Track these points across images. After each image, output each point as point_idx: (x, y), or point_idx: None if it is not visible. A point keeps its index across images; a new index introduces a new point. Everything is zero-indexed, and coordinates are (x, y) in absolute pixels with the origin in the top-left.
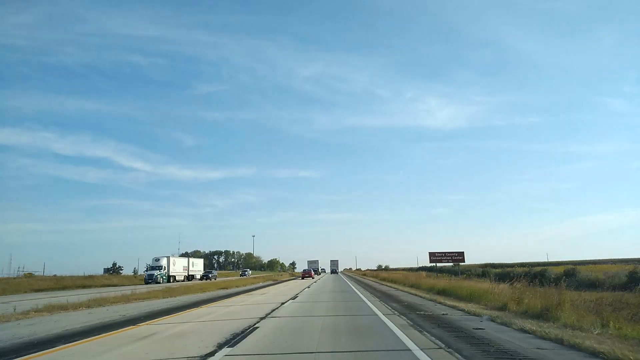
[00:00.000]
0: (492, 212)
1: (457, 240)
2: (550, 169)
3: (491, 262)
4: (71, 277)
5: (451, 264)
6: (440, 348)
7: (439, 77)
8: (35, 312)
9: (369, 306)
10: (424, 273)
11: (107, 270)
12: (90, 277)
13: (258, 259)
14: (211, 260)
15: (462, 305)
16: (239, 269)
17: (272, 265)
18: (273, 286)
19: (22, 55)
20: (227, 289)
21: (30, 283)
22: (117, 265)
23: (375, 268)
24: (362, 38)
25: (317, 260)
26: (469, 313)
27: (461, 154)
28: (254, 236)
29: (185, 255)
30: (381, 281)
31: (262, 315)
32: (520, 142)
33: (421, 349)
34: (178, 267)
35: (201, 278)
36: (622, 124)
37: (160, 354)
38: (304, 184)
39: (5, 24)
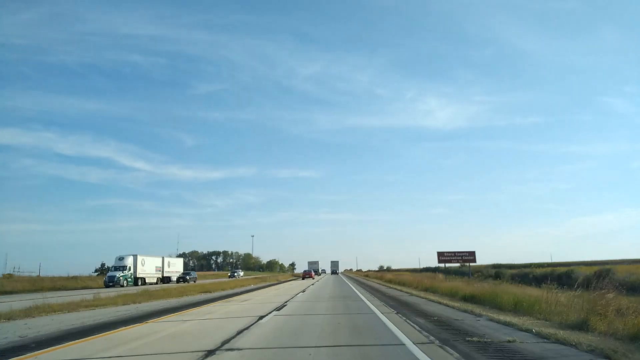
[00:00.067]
0: (492, 213)
1: (457, 241)
2: (551, 169)
3: (493, 262)
4: (52, 278)
5: (459, 264)
6: None
7: (439, 76)
8: None
9: (386, 325)
10: (441, 275)
11: (96, 271)
12: (74, 278)
13: (257, 260)
14: (209, 260)
15: (514, 320)
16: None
17: (272, 265)
18: (262, 290)
19: (23, 55)
20: (207, 292)
21: (3, 284)
22: (105, 266)
23: (377, 269)
24: (363, 38)
25: (317, 261)
26: (543, 337)
27: (461, 154)
28: (253, 236)
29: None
30: (387, 283)
31: (210, 346)
32: (521, 142)
33: None
34: (149, 267)
35: (177, 280)
36: (623, 124)
37: None
38: (304, 184)
39: (5, 23)
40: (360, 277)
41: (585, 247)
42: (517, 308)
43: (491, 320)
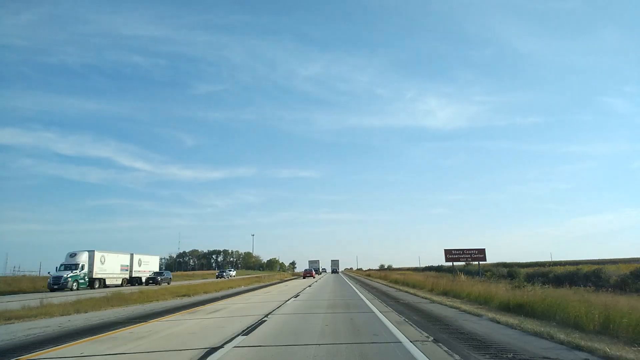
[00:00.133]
0: (492, 212)
1: (457, 241)
2: (551, 169)
3: (494, 262)
4: (33, 278)
5: (464, 263)
6: None
7: (439, 76)
8: None
9: None
10: (463, 275)
11: None
12: None
13: (257, 259)
14: (209, 259)
15: None
16: (237, 268)
17: (272, 265)
18: (249, 293)
19: (23, 55)
20: (178, 298)
21: None
22: None
23: (378, 268)
24: (363, 38)
25: (318, 260)
26: None
27: (461, 154)
28: (253, 235)
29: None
30: (394, 284)
31: None
32: (521, 142)
33: None
34: (111, 266)
35: (146, 282)
36: (623, 124)
37: None
38: (304, 184)
39: (5, 24)
40: (362, 277)
41: (585, 247)
42: (606, 326)
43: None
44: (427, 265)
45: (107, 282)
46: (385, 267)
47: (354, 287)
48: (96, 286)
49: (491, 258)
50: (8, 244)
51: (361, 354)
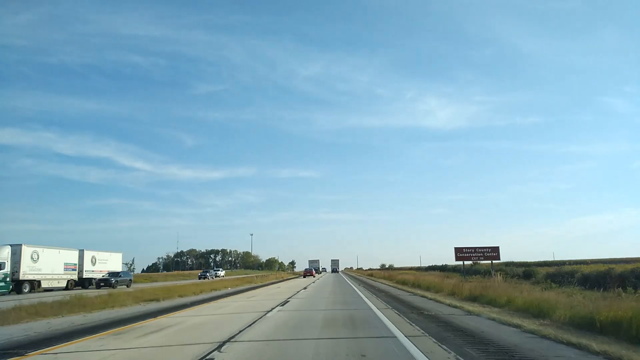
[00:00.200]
0: (492, 213)
1: (457, 241)
2: (551, 169)
3: (498, 261)
4: None
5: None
6: None
7: (439, 76)
8: None
9: None
10: (499, 277)
11: None
12: None
13: (256, 259)
14: (207, 259)
15: None
16: (236, 268)
17: (270, 264)
18: (229, 298)
19: (23, 55)
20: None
21: None
22: None
23: (379, 267)
24: (363, 38)
25: (318, 260)
26: None
27: (462, 154)
28: (251, 235)
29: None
30: (402, 285)
31: None
32: (521, 142)
33: None
34: (49, 264)
35: (98, 285)
36: (623, 124)
37: None
38: (305, 183)
39: (5, 23)
40: (364, 277)
41: (585, 247)
42: None
43: None
44: (431, 265)
45: (45, 285)
46: (387, 266)
47: (357, 290)
48: (25, 290)
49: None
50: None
51: None
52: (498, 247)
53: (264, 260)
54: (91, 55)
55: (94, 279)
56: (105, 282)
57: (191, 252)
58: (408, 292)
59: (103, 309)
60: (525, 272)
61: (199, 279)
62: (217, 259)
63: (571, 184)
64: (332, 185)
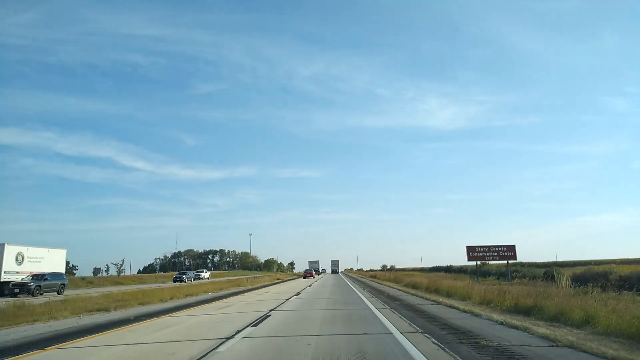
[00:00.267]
0: (492, 212)
1: (458, 240)
2: (551, 169)
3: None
4: None
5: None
6: None
7: (440, 76)
8: None
9: None
10: (563, 281)
11: None
12: None
13: (255, 259)
14: (205, 260)
15: None
16: (234, 268)
17: (269, 265)
18: (193, 309)
19: (23, 55)
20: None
21: None
22: (70, 264)
23: (380, 268)
24: (363, 37)
25: (318, 261)
26: None
27: (461, 154)
28: (250, 234)
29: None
30: (414, 290)
31: None
32: (521, 142)
33: None
34: None
35: (11, 292)
36: (624, 123)
37: None
38: (305, 183)
39: (5, 23)
40: (366, 278)
41: (585, 247)
42: None
43: None
44: (435, 266)
45: None
46: (388, 267)
47: (362, 297)
48: None
49: None
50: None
51: None
52: (514, 246)
53: (263, 261)
54: (91, 55)
55: (24, 283)
56: (21, 288)
57: (189, 253)
58: (428, 299)
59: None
60: (547, 273)
61: (174, 282)
62: (215, 259)
63: (571, 183)
64: (332, 185)
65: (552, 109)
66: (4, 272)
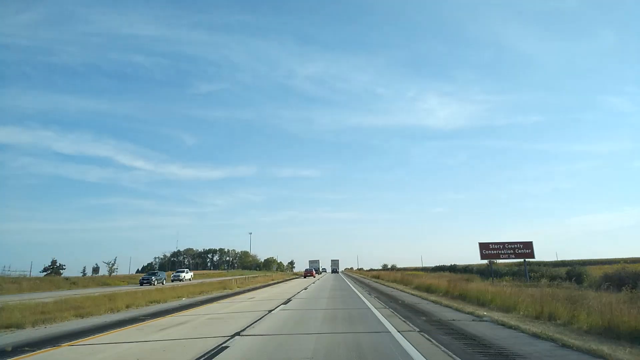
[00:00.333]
0: (493, 211)
1: (458, 241)
2: (552, 168)
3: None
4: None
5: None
6: None
7: (440, 76)
8: None
9: None
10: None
11: (45, 270)
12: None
13: (254, 258)
14: (205, 259)
15: None
16: (233, 268)
17: (269, 264)
18: (129, 328)
19: (24, 55)
20: None
21: None
22: (57, 264)
23: (381, 267)
24: (363, 37)
25: (318, 260)
26: None
27: (462, 153)
28: (250, 234)
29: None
30: (429, 294)
31: None
32: (522, 141)
33: None
34: None
35: None
36: (625, 123)
37: None
38: (305, 183)
39: (7, 23)
40: (369, 279)
41: (585, 247)
42: None
43: None
44: (438, 265)
45: None
46: (389, 267)
47: (370, 306)
48: None
49: None
50: (6, 244)
51: None
52: (531, 243)
53: (262, 260)
54: (92, 55)
55: None
56: None
57: (188, 252)
58: (461, 311)
59: None
60: (570, 273)
61: (140, 285)
62: (215, 258)
63: (572, 183)
64: (333, 185)
65: (552, 109)
66: None
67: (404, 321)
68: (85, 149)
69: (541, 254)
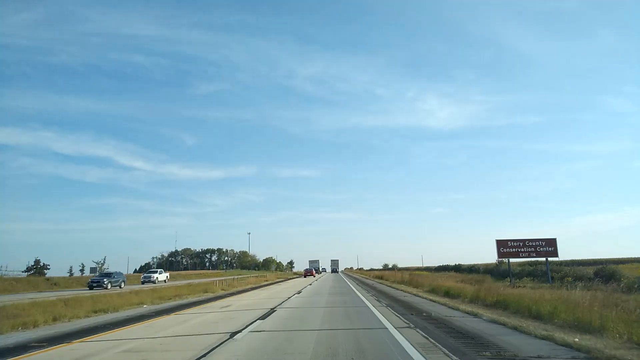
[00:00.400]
0: (493, 212)
1: (457, 240)
2: (552, 168)
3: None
4: None
5: (498, 260)
6: None
7: (440, 76)
8: None
9: None
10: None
11: (28, 270)
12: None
13: (253, 258)
14: (203, 259)
15: None
16: (232, 268)
17: (267, 264)
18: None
19: (24, 55)
20: None
21: None
22: (42, 264)
23: (382, 267)
24: (363, 37)
25: (318, 260)
26: None
27: (462, 153)
28: (249, 233)
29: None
30: (460, 303)
31: None
32: (522, 141)
33: None
34: None
35: None
36: (625, 123)
37: None
38: (305, 183)
39: (7, 23)
40: (372, 280)
41: (585, 247)
42: None
43: None
44: (441, 265)
45: None
46: (390, 266)
47: (388, 325)
48: None
49: (494, 258)
50: (6, 244)
51: None
52: (555, 240)
53: (261, 260)
54: (92, 55)
55: None
56: None
57: (186, 252)
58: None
59: None
60: (599, 273)
61: (90, 288)
62: (213, 258)
63: (573, 183)
64: (333, 185)
65: (552, 109)
66: None
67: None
68: (85, 149)
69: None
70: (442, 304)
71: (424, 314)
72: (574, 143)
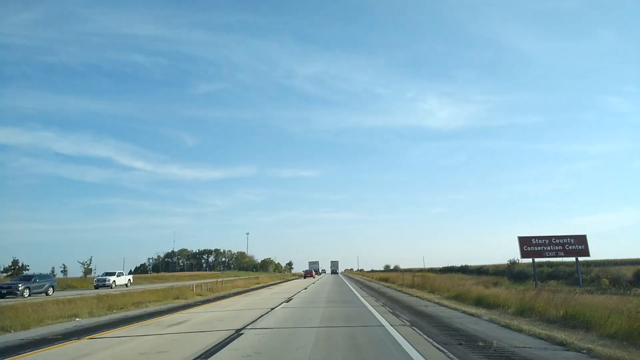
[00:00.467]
0: (493, 212)
1: (458, 240)
2: (552, 168)
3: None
4: None
5: (556, 258)
6: None
7: (440, 76)
8: None
9: None
10: None
11: (4, 271)
12: None
13: (251, 259)
14: (200, 260)
15: None
16: (229, 269)
17: (265, 265)
18: None
19: (24, 55)
20: None
21: None
22: (20, 264)
23: (383, 269)
24: (363, 37)
25: (318, 261)
26: None
27: (462, 154)
28: (247, 234)
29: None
30: (489, 312)
31: None
32: (521, 141)
33: None
34: None
35: None
36: (625, 123)
37: None
38: (305, 183)
39: (6, 23)
40: (376, 282)
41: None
42: None
43: None
44: (447, 266)
45: None
46: (392, 267)
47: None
48: None
49: (500, 258)
50: (6, 244)
51: None
52: (585, 237)
53: (259, 261)
54: (92, 55)
55: None
56: None
57: (182, 253)
58: None
59: None
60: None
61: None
62: (210, 259)
63: (572, 183)
64: (333, 185)
65: (552, 109)
66: None
67: None
68: (85, 149)
69: None
70: (489, 321)
71: (481, 344)
72: (573, 143)
